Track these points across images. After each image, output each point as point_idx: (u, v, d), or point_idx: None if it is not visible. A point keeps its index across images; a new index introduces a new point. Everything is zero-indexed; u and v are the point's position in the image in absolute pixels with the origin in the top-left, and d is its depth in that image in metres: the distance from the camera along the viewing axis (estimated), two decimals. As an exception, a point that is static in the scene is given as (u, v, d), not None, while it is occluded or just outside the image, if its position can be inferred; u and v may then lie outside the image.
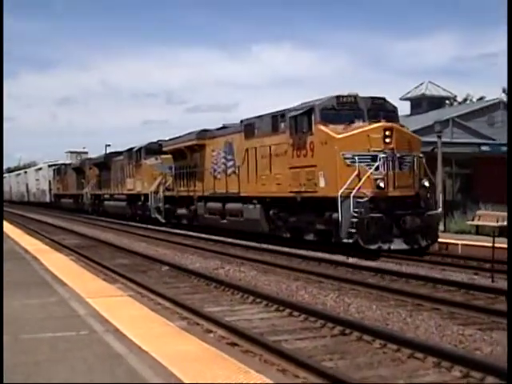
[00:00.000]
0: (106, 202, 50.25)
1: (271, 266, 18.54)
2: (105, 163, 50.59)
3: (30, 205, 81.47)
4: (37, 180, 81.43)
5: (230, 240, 26.83)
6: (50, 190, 73.72)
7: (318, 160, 21.53)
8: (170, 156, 36.42)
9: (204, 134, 31.92)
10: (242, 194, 27.11)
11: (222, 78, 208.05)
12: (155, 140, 41.94)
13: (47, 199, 74.78)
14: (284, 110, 24.15)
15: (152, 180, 38.89)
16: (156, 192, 37.82)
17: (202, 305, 12.80)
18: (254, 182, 25.92)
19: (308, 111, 22.24)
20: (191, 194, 33.00)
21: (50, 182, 73.64)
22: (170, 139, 37.10)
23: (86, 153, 76.05)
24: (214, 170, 30.17)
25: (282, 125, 23.95)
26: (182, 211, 34.94)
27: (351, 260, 19.37)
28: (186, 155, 33.80)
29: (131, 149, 44.06)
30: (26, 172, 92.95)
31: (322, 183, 21.46)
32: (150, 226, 36.86)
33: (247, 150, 26.39)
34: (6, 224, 35.73)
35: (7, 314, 9.37)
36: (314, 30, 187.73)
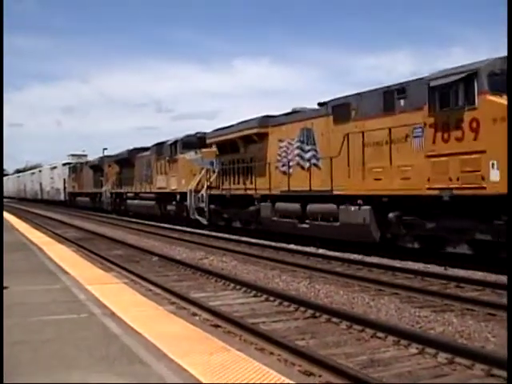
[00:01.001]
0: (129, 201, 42.76)
1: (250, 257, 18.55)
2: (127, 160, 42.91)
3: (44, 203, 75.25)
4: (51, 178, 74.09)
5: (213, 234, 26.78)
6: (65, 188, 66.96)
7: (488, 144, 13.81)
8: (212, 149, 29.37)
9: (266, 120, 24.05)
10: (336, 192, 19.18)
11: (206, 89, 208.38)
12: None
13: (61, 197, 68.15)
14: (406, 83, 16.69)
15: (190, 177, 31.18)
16: (197, 190, 30.13)
17: (189, 291, 12.80)
18: (359, 176, 18.05)
19: (467, 78, 14.53)
20: (250, 192, 24.89)
21: (64, 180, 67.00)
22: (216, 130, 29.20)
23: (86, 155, 71.88)
24: (284, 164, 22.46)
25: (402, 102, 16.59)
26: (233, 212, 27.43)
27: (321, 251, 19.40)
28: (239, 147, 26.18)
29: (161, 143, 36.53)
30: (40, 171, 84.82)
31: (494, 176, 13.71)
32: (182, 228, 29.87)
33: (346, 136, 18.56)
34: (14, 219, 35.47)
35: (17, 299, 9.36)
36: (288, 46, 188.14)
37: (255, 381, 5.29)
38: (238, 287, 13.11)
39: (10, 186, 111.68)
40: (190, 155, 32.00)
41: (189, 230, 29.21)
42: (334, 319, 9.62)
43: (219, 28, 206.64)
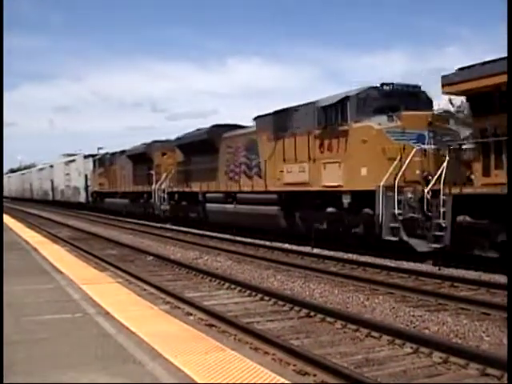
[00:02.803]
0: (210, 206, 28.41)
1: (244, 256, 18.54)
2: (204, 143, 28.63)
3: (57, 205, 62.14)
4: (66, 175, 59.87)
5: (208, 233, 26.76)
6: (87, 186, 53.16)
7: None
8: (425, 114, 17.91)
9: None
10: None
11: (200, 89, 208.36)
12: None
13: (81, 199, 54.25)
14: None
15: (380, 162, 17.36)
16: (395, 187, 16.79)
17: (183, 290, 12.78)
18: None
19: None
20: None
21: (86, 176, 53.33)
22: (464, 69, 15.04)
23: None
24: None
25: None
26: None
27: (315, 250, 19.41)
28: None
29: (285, 109, 22.32)
30: (51, 166, 69.08)
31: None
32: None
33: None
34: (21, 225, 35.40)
35: (12, 299, 9.33)
36: (282, 45, 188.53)
37: (250, 380, 5.29)
38: (232, 287, 13.10)
39: (13, 185, 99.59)
40: (381, 122, 17.85)
41: (184, 229, 29.18)
42: (329, 319, 9.62)
43: (213, 27, 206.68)
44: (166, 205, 34.15)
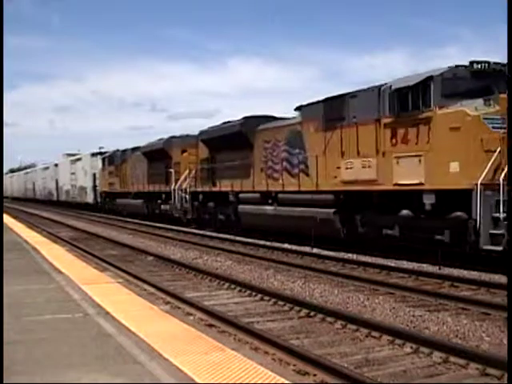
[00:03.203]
0: (244, 208, 24.93)
1: (244, 256, 18.54)
2: (234, 137, 25.08)
3: (62, 206, 59.39)
4: (72, 174, 57.02)
5: (208, 233, 26.75)
6: (95, 186, 50.23)
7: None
8: None
9: None
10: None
11: (200, 89, 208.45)
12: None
13: (89, 199, 51.56)
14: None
15: (479, 155, 14.48)
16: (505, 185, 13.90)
17: (183, 291, 12.78)
18: None
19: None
20: None
21: (94, 175, 50.40)
22: None
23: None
24: None
25: None
26: None
27: (315, 250, 19.39)
28: None
29: (335, 97, 19.51)
30: (56, 165, 66.40)
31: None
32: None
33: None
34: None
35: (11, 299, 9.32)
36: (283, 45, 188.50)
37: (250, 380, 5.29)
38: (232, 287, 13.10)
39: (15, 184, 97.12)
40: (477, 107, 14.89)
41: (183, 229, 29.22)
42: (329, 319, 9.62)
43: (213, 27, 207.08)
44: (188, 206, 30.62)
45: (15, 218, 38.98)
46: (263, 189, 23.37)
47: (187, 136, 32.83)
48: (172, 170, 32.90)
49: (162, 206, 34.50)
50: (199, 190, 29.38)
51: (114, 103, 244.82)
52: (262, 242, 22.01)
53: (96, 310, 8.58)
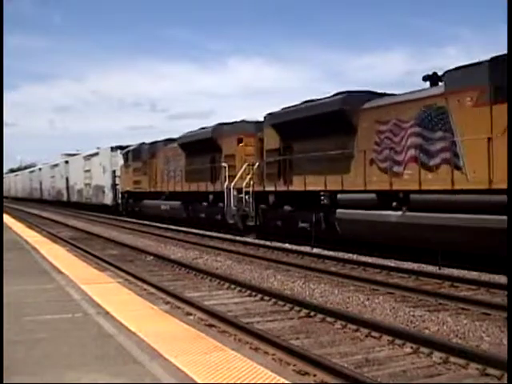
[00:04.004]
0: (347, 213, 18.69)
1: (244, 256, 18.53)
2: (332, 118, 19.09)
3: (72, 207, 54.22)
4: (86, 171, 50.96)
5: (208, 233, 26.72)
6: (115, 185, 43.63)
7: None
8: None
9: None
10: None
11: (201, 89, 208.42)
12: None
13: (107, 200, 45.00)
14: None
15: None
16: None
17: (183, 290, 12.78)
18: None
19: None
20: None
21: (114, 173, 43.83)
22: None
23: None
24: None
25: None
26: None
27: (315, 250, 19.38)
28: None
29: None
30: (66, 162, 60.36)
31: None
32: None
33: None
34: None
35: (11, 298, 9.31)
36: (283, 45, 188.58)
37: (250, 380, 5.28)
38: (232, 287, 13.10)
39: (19, 184, 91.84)
40: None
41: (183, 229, 29.15)
42: (329, 319, 9.62)
43: (213, 27, 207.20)
44: (249, 210, 24.51)
45: (15, 217, 38.96)
46: (384, 187, 17.16)
47: (243, 122, 27.36)
48: (225, 165, 26.71)
49: (209, 209, 28.55)
50: (270, 189, 23.05)
51: (114, 103, 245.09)
52: (261, 242, 22.00)
53: (96, 309, 8.57)
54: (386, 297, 11.73)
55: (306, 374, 6.93)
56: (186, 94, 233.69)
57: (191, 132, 31.09)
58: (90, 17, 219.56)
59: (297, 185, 21.20)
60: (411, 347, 7.86)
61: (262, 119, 24.18)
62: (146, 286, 13.29)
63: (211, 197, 28.04)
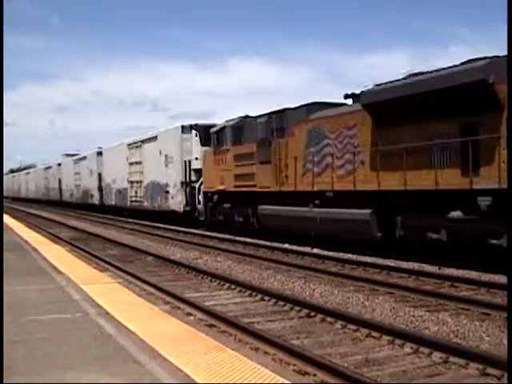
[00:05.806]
0: None
1: (244, 257, 18.52)
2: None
3: (104, 212, 43.70)
4: (131, 164, 39.47)
5: (207, 233, 26.71)
6: (189, 183, 31.01)
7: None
8: None
9: None
10: None
11: (201, 88, 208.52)
12: None
13: (174, 205, 32.25)
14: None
15: None
16: None
17: (183, 291, 12.77)
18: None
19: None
20: None
21: (186, 164, 31.07)
22: None
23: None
24: None
25: None
26: None
27: (315, 250, 19.38)
28: None
29: None
30: (99, 154, 47.37)
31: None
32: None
33: None
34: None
35: (11, 298, 9.32)
36: (283, 45, 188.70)
37: (250, 380, 5.28)
38: (232, 287, 13.09)
39: (31, 183, 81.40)
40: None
41: (182, 229, 29.13)
42: (329, 319, 9.61)
43: (213, 27, 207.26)
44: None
45: (15, 217, 38.96)
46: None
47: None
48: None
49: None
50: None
51: (114, 103, 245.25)
52: (261, 242, 22.00)
53: (96, 310, 8.58)
54: (385, 297, 11.73)
55: (306, 374, 6.92)
56: (186, 93, 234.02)
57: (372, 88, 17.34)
58: (90, 17, 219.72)
59: None
60: (411, 347, 7.85)
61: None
62: (146, 287, 13.28)
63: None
